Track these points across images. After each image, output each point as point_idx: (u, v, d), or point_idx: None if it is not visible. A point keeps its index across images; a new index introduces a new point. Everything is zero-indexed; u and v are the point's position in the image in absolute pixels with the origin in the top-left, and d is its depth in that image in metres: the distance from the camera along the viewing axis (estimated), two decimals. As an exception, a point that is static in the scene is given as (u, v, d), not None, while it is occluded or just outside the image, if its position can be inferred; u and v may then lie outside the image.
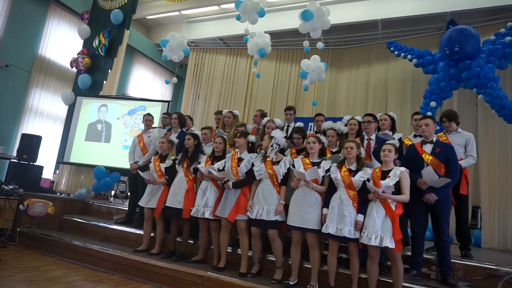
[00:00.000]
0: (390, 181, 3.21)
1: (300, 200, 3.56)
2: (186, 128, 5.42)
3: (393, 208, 3.19)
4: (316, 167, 3.54)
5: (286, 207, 3.73)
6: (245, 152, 4.08)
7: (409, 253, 3.65)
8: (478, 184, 6.68)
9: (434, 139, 3.63)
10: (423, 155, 3.56)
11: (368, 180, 3.35)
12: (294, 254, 3.63)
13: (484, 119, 6.84)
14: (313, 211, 3.50)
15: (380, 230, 3.14)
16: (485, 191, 6.62)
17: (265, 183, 3.83)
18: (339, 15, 7.73)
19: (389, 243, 3.07)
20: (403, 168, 3.31)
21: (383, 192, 3.16)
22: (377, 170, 3.39)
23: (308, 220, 3.48)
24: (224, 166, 4.07)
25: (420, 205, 3.48)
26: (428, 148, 3.59)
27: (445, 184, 3.42)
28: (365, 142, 4.05)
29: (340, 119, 4.52)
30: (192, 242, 4.51)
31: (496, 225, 6.44)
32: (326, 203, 3.49)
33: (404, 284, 3.24)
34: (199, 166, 4.17)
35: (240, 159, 4.03)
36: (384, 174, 3.31)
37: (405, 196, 3.23)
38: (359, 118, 4.52)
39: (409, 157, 3.67)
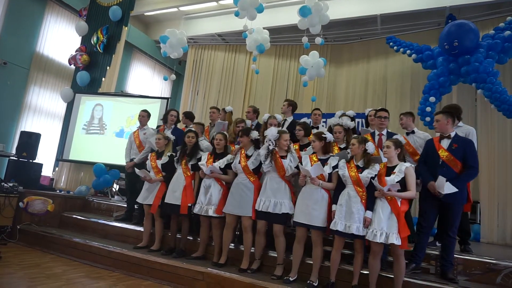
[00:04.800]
0: (395, 178, 3.19)
1: (306, 197, 3.56)
2: (185, 126, 5.42)
3: (399, 204, 3.18)
4: (319, 162, 3.53)
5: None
6: (251, 148, 4.06)
7: (411, 248, 3.65)
8: (477, 179, 6.67)
9: (452, 134, 3.55)
10: (440, 151, 3.51)
11: (376, 176, 3.34)
12: (297, 250, 3.62)
13: (483, 114, 6.84)
14: (319, 209, 3.49)
15: (385, 227, 3.14)
16: (484, 186, 6.63)
17: (272, 176, 3.80)
18: (338, 10, 7.72)
19: (395, 240, 3.06)
20: (408, 164, 3.29)
21: (389, 190, 3.15)
22: (382, 167, 3.37)
23: (314, 217, 3.47)
24: (229, 163, 4.07)
25: (432, 200, 3.46)
26: (445, 143, 3.53)
27: (462, 180, 3.40)
28: (376, 138, 4.02)
29: (340, 115, 4.51)
30: (191, 238, 4.52)
31: (495, 219, 6.46)
32: (335, 200, 3.47)
33: (404, 278, 3.25)
34: (200, 164, 4.16)
35: (247, 156, 4.01)
36: (389, 170, 3.30)
37: (411, 193, 3.21)
38: (351, 113, 4.50)
39: (426, 152, 3.65)
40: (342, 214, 3.35)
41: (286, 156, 3.81)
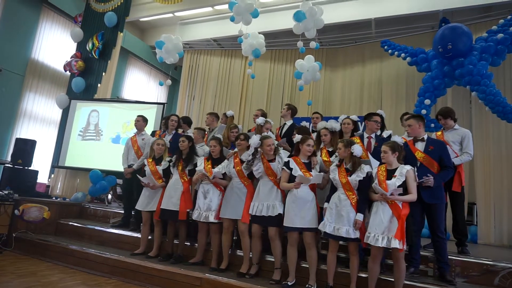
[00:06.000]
0: (396, 182, 3.17)
1: (297, 200, 3.55)
2: (183, 130, 5.42)
3: (400, 207, 3.15)
4: (321, 173, 3.58)
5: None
6: (245, 153, 4.04)
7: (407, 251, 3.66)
8: (474, 181, 6.73)
9: (425, 137, 3.64)
10: (416, 153, 3.58)
11: (364, 178, 3.34)
12: (291, 254, 3.62)
13: (478, 116, 6.90)
14: (312, 211, 3.52)
15: (387, 231, 3.10)
16: (480, 187, 6.67)
17: (264, 180, 3.83)
18: (333, 14, 7.77)
19: (398, 244, 3.02)
20: (408, 167, 3.26)
21: (391, 194, 3.13)
22: (382, 169, 3.33)
23: (307, 220, 3.48)
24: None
25: (416, 202, 3.46)
26: (420, 146, 3.61)
27: (441, 178, 3.47)
28: (366, 141, 4.05)
29: (336, 118, 4.53)
30: (189, 244, 4.50)
31: (492, 221, 6.50)
32: (328, 199, 3.51)
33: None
34: (198, 169, 4.15)
35: (241, 161, 4.01)
36: (390, 174, 3.27)
37: (413, 196, 3.19)
38: (354, 117, 4.53)
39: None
40: (332, 216, 3.38)
41: (275, 159, 3.82)
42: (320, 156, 3.94)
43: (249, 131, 5.17)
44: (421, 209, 3.57)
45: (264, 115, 5.18)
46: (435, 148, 3.56)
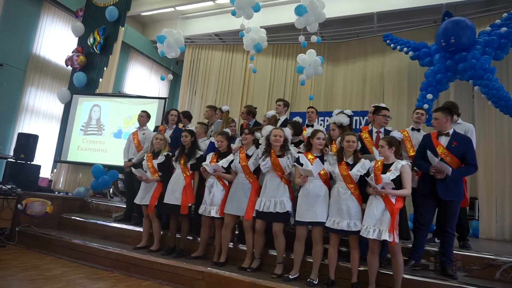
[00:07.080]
0: (390, 176, 3.18)
1: (309, 194, 3.51)
2: (183, 125, 5.42)
3: (393, 201, 3.17)
4: (318, 159, 3.55)
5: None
6: (251, 148, 4.05)
7: (410, 245, 3.66)
8: (476, 175, 6.69)
9: (451, 132, 3.51)
10: (437, 148, 3.48)
11: (365, 174, 3.35)
12: (298, 249, 3.60)
13: (480, 111, 6.86)
14: (323, 205, 3.49)
15: (379, 223, 3.13)
16: (482, 182, 6.66)
17: (271, 175, 3.78)
18: (334, 8, 7.72)
19: (388, 236, 3.05)
20: (404, 162, 3.27)
21: (383, 188, 3.13)
22: (378, 163, 3.35)
23: (318, 214, 3.45)
24: (231, 163, 4.05)
25: (430, 197, 3.45)
26: (443, 140, 3.50)
27: (460, 172, 3.42)
28: (374, 135, 4.03)
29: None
30: (191, 238, 4.52)
31: (494, 215, 6.49)
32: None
33: (404, 275, 3.25)
34: (204, 164, 4.15)
35: (248, 156, 4.00)
36: (386, 168, 3.28)
37: (406, 191, 3.20)
38: (348, 111, 4.52)
39: (423, 147, 3.60)
40: (332, 210, 3.41)
41: (283, 155, 3.78)
42: (330, 151, 3.89)
43: (241, 126, 5.18)
44: (435, 204, 3.52)
45: (250, 112, 5.19)
46: (459, 144, 3.44)
